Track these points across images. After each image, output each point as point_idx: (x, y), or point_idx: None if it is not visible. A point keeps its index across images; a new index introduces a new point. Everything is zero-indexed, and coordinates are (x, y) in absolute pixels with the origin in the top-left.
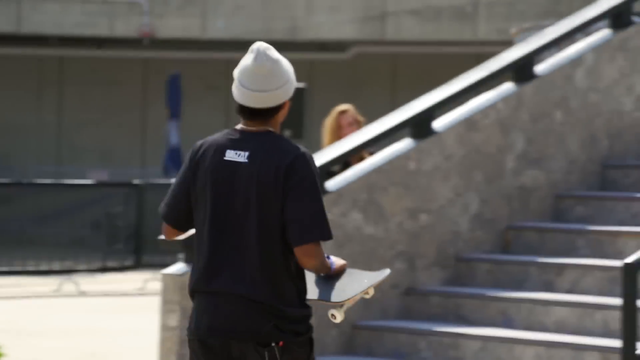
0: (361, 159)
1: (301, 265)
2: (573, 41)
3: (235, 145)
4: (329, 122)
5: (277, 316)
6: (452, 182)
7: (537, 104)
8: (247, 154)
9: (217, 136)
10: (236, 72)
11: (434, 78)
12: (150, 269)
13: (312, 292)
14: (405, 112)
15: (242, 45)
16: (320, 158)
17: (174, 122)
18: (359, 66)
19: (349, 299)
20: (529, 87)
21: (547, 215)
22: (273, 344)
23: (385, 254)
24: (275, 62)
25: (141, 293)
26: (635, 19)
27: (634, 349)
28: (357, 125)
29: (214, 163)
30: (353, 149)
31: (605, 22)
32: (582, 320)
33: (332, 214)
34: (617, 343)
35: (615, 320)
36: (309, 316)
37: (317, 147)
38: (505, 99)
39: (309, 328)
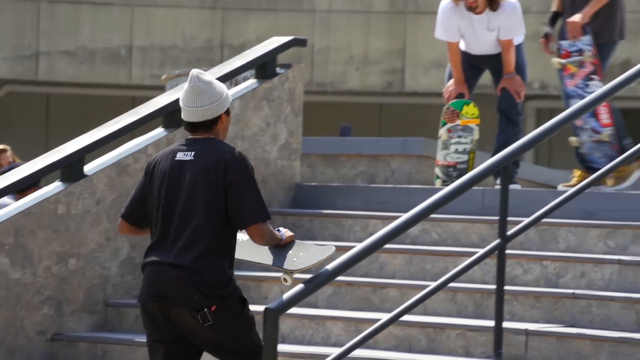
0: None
1: (255, 241)
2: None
3: (183, 149)
4: None
5: (203, 284)
6: (102, 226)
7: None
8: (192, 153)
9: (169, 147)
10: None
11: (89, 120)
12: None
13: (267, 259)
14: (56, 155)
15: None
16: None
17: None
18: (12, 105)
19: (301, 269)
20: (180, 132)
21: None
22: (205, 310)
23: (33, 300)
24: (207, 83)
25: None
26: (279, 70)
27: None
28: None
29: (167, 163)
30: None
31: (252, 72)
32: None
33: None
34: None
35: None
36: (231, 279)
37: None
38: (156, 143)
39: (236, 290)
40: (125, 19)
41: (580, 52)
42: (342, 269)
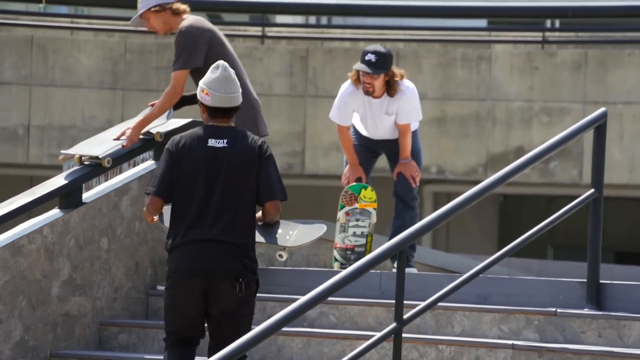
0: None
1: (266, 216)
2: (121, 170)
3: (214, 136)
4: None
5: (245, 258)
6: None
7: (84, 231)
8: (225, 140)
9: (192, 131)
10: (203, 82)
11: None
12: None
13: (259, 238)
14: None
15: None
16: None
17: None
18: None
19: (296, 246)
20: (76, 213)
21: (92, 343)
22: (241, 280)
23: None
24: (233, 73)
25: None
26: None
27: None
28: None
29: (200, 149)
30: None
31: (151, 153)
32: None
33: None
34: None
35: None
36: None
37: None
38: (52, 224)
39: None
40: (23, 98)
41: None
42: (239, 351)
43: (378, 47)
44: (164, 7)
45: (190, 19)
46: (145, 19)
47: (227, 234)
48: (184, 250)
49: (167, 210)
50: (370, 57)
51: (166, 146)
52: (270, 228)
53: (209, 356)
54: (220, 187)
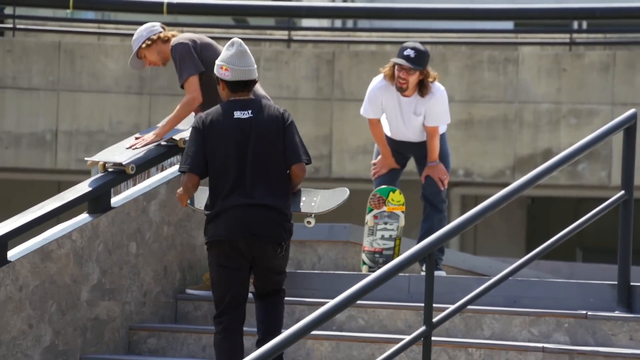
0: None
1: (294, 179)
2: (149, 175)
3: (238, 108)
4: None
5: (285, 222)
6: (25, 313)
7: (113, 236)
8: (250, 111)
9: (216, 108)
10: (221, 60)
11: (13, 205)
12: None
13: None
14: None
15: None
16: None
17: None
18: None
19: (322, 211)
20: (104, 218)
21: (121, 348)
22: (283, 243)
23: None
24: (246, 47)
25: None
26: None
27: None
28: None
29: (227, 122)
30: None
31: (179, 157)
32: None
33: None
34: None
35: None
36: None
37: None
38: (80, 229)
39: None
40: (51, 104)
41: None
42: (268, 355)
43: (417, 44)
44: (153, 39)
45: (175, 38)
46: (142, 57)
47: (266, 197)
48: (227, 216)
49: (198, 193)
50: (410, 52)
51: (193, 125)
52: (293, 197)
53: (260, 311)
54: (251, 155)
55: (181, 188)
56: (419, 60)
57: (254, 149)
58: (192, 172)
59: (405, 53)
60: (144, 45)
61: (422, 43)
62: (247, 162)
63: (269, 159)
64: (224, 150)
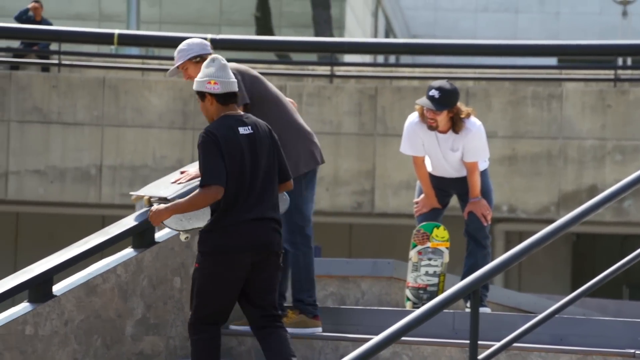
0: None
1: (282, 191)
2: None
3: (240, 124)
4: None
5: (281, 230)
6: (70, 347)
7: (157, 270)
8: (249, 127)
9: (219, 124)
10: (206, 76)
11: (58, 239)
12: None
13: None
14: (24, 275)
15: None
16: None
17: None
18: None
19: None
20: (149, 253)
21: None
22: (281, 252)
23: None
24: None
25: None
26: None
27: None
28: None
29: (237, 137)
30: None
31: None
32: None
33: None
34: None
35: None
36: None
37: None
38: (125, 263)
39: None
40: (96, 139)
41: None
42: None
43: (444, 83)
44: (203, 57)
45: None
46: (184, 69)
47: (270, 211)
48: (243, 228)
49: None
50: (434, 93)
51: (206, 140)
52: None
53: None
54: (262, 170)
55: (176, 202)
56: (444, 100)
57: (262, 164)
58: (221, 184)
59: (430, 94)
60: (194, 60)
61: (464, 79)
62: (259, 177)
63: (272, 172)
64: (239, 165)
